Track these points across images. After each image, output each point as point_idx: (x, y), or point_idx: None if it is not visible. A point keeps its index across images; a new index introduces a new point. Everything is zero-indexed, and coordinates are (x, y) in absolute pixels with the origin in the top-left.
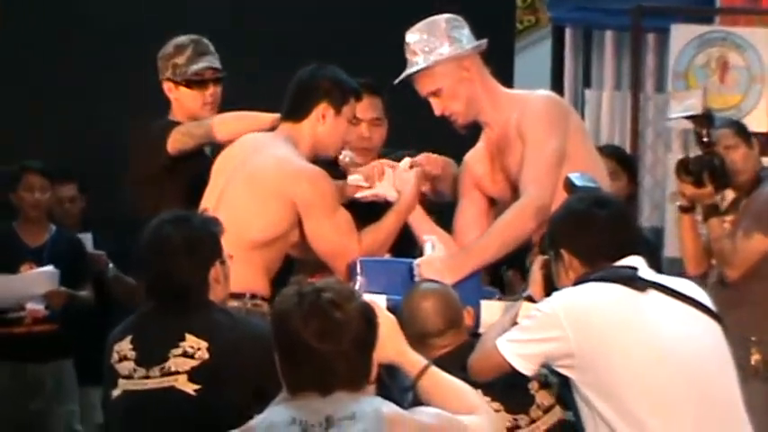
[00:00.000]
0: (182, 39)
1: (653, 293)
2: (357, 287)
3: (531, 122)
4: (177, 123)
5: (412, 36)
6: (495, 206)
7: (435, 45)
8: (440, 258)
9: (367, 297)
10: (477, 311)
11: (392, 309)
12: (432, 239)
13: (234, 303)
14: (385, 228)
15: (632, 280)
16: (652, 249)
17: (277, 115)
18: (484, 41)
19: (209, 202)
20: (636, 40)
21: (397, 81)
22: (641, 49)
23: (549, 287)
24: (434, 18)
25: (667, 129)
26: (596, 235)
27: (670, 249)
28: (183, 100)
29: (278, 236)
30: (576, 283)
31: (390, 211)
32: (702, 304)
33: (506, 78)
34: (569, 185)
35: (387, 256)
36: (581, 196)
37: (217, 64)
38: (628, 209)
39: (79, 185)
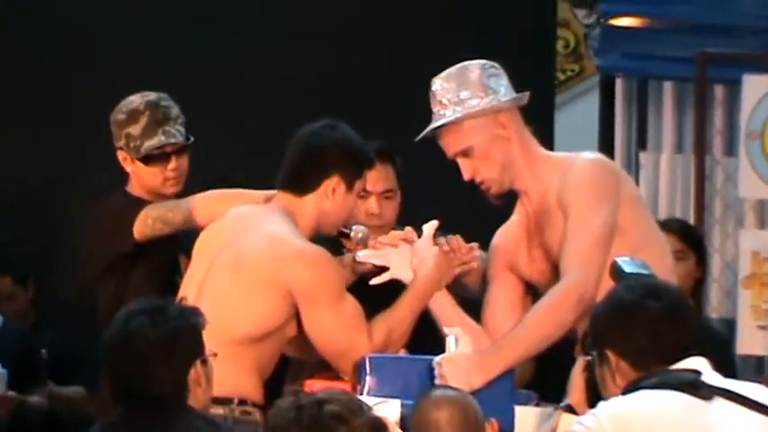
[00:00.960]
0: (136, 101)
1: (720, 402)
2: (365, 391)
3: (575, 191)
4: (143, 202)
5: (439, 84)
6: (532, 293)
7: (467, 95)
8: (465, 355)
9: (377, 403)
10: (506, 421)
11: (408, 418)
12: (455, 332)
13: (218, 410)
14: (399, 316)
15: (695, 386)
16: (720, 346)
17: (273, 192)
18: (526, 94)
19: (189, 290)
20: (700, 92)
21: (419, 137)
22: (707, 103)
23: (594, 395)
24: (467, 64)
25: (739, 200)
26: (649, 333)
27: (744, 345)
28: (141, 175)
29: (271, 330)
30: (625, 391)
31: (405, 294)
32: None
33: (545, 139)
34: (616, 272)
35: (402, 353)
36: (630, 284)
37: (178, 136)
38: (686, 300)
39: (13, 277)
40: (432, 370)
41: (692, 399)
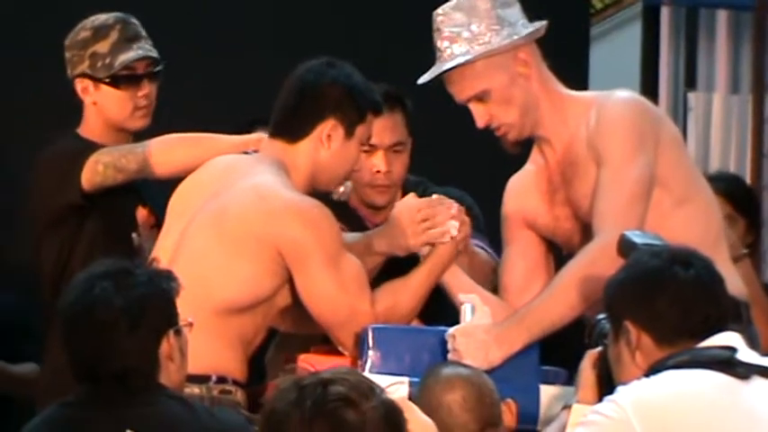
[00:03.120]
0: (102, 18)
1: (759, 381)
2: (367, 366)
3: (609, 137)
4: (94, 146)
5: (444, 17)
6: (556, 252)
7: (478, 29)
8: (483, 327)
9: (380, 380)
10: (531, 402)
11: (415, 399)
12: (472, 299)
13: (194, 390)
14: (413, 287)
15: (730, 364)
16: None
17: (250, 137)
18: (542, 24)
19: (162, 251)
20: (760, 22)
21: (423, 80)
22: (767, 35)
23: (607, 392)
24: None
25: None
26: (678, 304)
27: None
28: (105, 104)
29: (258, 299)
30: (649, 372)
31: (423, 264)
32: None
33: (577, 78)
34: (627, 245)
35: (415, 323)
36: (655, 251)
37: (154, 53)
38: (717, 269)
39: None
40: (444, 344)
41: (728, 378)
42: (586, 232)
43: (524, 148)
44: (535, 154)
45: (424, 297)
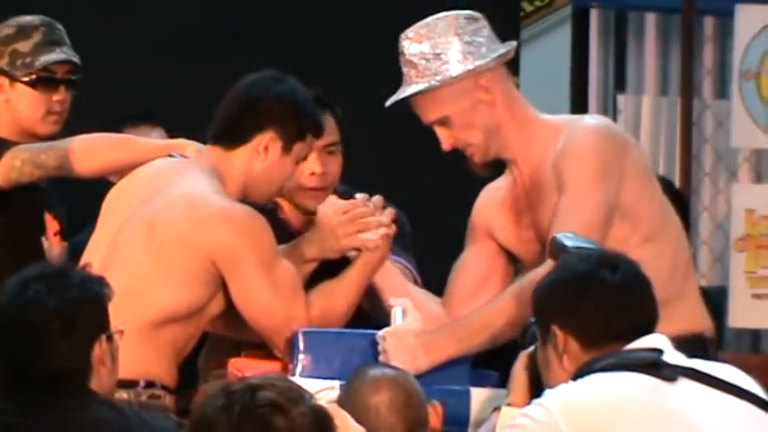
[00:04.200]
0: (27, 18)
1: (685, 383)
2: (298, 370)
3: (573, 162)
4: (8, 143)
5: (409, 40)
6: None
7: (443, 56)
8: (414, 332)
9: (311, 384)
10: (461, 406)
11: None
12: (403, 303)
13: (122, 395)
14: (345, 289)
15: (657, 366)
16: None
17: (174, 142)
18: (511, 47)
19: (92, 260)
20: (687, 26)
21: (388, 103)
22: (695, 38)
23: (538, 394)
24: (439, 16)
25: (731, 150)
26: (604, 307)
27: (737, 317)
28: (18, 104)
29: (191, 309)
30: (576, 376)
31: (353, 265)
32: (752, 394)
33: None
34: (557, 247)
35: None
36: (583, 254)
37: (76, 59)
38: (644, 272)
39: None
40: (375, 347)
41: (655, 380)
42: None
43: (495, 168)
44: (507, 174)
45: (358, 298)
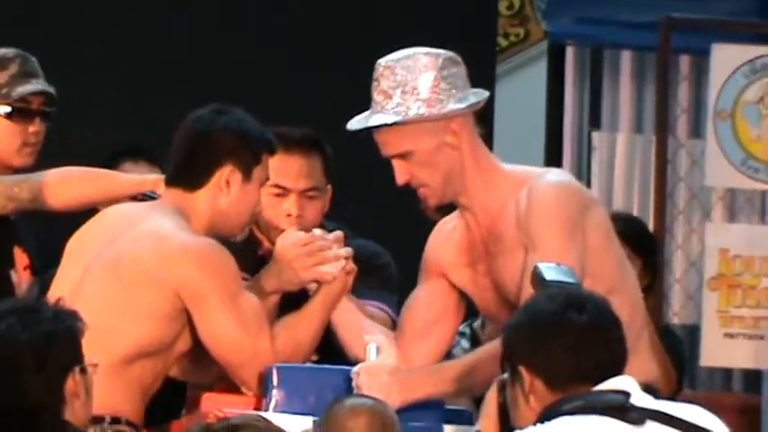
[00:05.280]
0: (3, 50)
1: (652, 426)
2: (272, 406)
3: (540, 224)
4: None
5: (385, 69)
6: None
7: (416, 91)
8: (388, 368)
9: (286, 420)
10: None
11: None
12: (378, 340)
13: (89, 430)
14: (308, 321)
15: (623, 410)
16: (679, 358)
17: (148, 177)
18: (484, 97)
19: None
20: (663, 64)
21: (352, 128)
22: (670, 77)
23: (507, 423)
24: (419, 51)
25: (706, 189)
26: (570, 348)
27: (709, 356)
28: None
29: (158, 346)
30: (542, 417)
31: (314, 298)
32: None
33: (484, 116)
34: (537, 279)
35: (309, 364)
36: (551, 294)
37: (52, 90)
38: (614, 314)
39: None
40: (348, 383)
41: (622, 424)
42: (507, 306)
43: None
44: (460, 217)
45: (321, 330)
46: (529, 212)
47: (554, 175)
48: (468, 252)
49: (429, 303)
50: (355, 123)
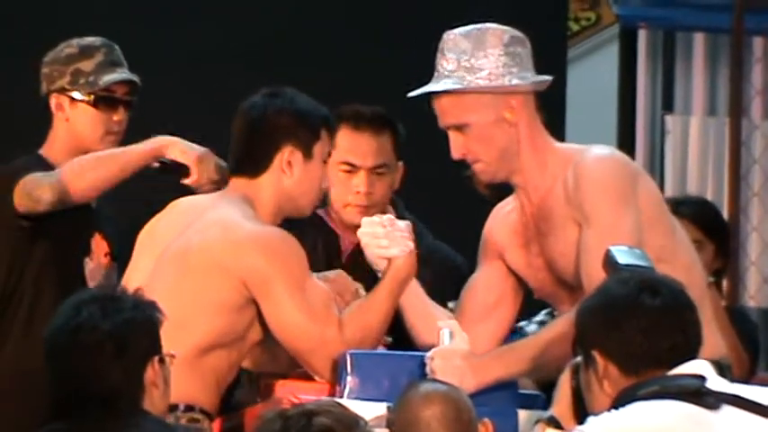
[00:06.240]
0: (88, 39)
1: (729, 411)
2: (346, 392)
3: (593, 198)
4: (46, 165)
5: (451, 40)
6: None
7: (480, 63)
8: (461, 353)
9: (360, 406)
10: (508, 426)
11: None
12: (451, 325)
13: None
14: (376, 306)
15: (700, 394)
16: (752, 340)
17: (155, 141)
18: (546, 79)
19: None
20: (737, 46)
21: (412, 94)
22: (744, 58)
23: (582, 406)
24: (490, 26)
25: None
26: (644, 333)
27: None
28: (78, 123)
29: (230, 336)
30: (616, 402)
31: (382, 283)
32: None
33: (555, 100)
34: (610, 263)
35: (380, 349)
36: (623, 278)
37: (136, 79)
38: (688, 297)
39: None
40: (422, 368)
41: (698, 409)
42: (560, 285)
43: (499, 191)
44: (515, 197)
45: (390, 314)
46: (578, 188)
47: (599, 149)
48: (522, 233)
49: (488, 287)
50: (416, 91)
